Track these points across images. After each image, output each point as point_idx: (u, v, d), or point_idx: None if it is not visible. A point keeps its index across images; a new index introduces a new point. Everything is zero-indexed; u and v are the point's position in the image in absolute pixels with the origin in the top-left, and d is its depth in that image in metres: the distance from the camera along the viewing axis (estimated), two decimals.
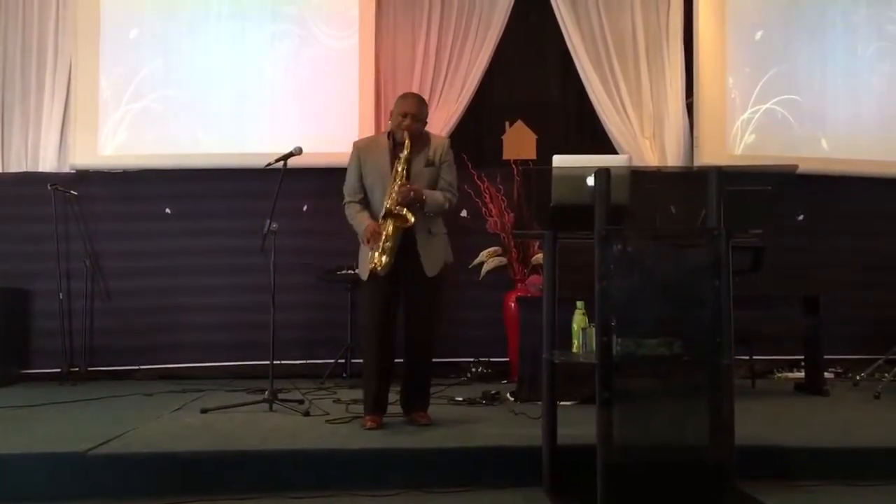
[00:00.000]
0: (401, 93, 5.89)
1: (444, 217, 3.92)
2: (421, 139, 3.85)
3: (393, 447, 3.33)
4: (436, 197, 3.78)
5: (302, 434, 3.59)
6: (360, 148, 3.95)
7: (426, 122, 3.92)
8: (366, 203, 3.88)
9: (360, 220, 3.82)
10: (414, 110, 3.78)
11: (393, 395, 3.92)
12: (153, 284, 5.87)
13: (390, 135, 3.87)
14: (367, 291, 3.82)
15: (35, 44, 6.09)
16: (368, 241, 3.71)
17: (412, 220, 3.63)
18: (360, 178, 3.88)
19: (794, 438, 3.47)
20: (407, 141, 3.72)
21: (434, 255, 3.80)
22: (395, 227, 3.64)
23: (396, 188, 3.67)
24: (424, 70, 6.07)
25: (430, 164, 3.83)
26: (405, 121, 3.76)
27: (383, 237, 3.64)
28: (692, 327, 2.79)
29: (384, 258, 3.63)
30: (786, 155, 5.99)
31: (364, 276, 3.78)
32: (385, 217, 3.65)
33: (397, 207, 3.64)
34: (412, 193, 3.66)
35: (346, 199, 3.92)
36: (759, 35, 6.22)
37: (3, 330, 5.56)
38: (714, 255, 2.77)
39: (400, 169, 3.70)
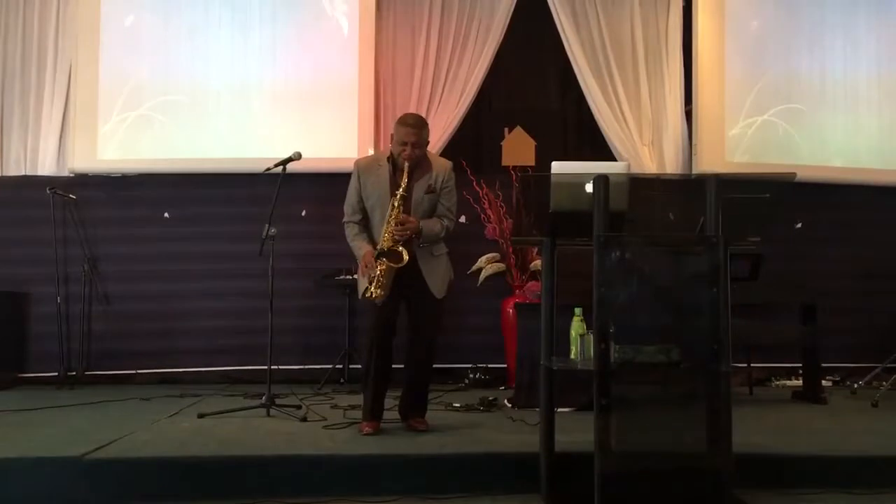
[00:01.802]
0: (400, 99, 6.05)
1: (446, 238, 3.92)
2: (422, 165, 3.82)
3: (390, 453, 3.32)
4: (432, 227, 3.78)
5: (299, 439, 3.58)
6: (361, 169, 3.92)
7: (428, 144, 3.88)
8: (365, 224, 3.89)
9: (358, 245, 3.84)
10: (413, 139, 3.72)
11: (391, 402, 3.92)
12: (151, 289, 5.86)
13: (390, 158, 3.84)
14: (370, 302, 3.82)
15: (35, 47, 6.10)
16: (363, 270, 3.74)
17: (406, 260, 3.64)
18: (361, 199, 3.88)
19: (792, 446, 3.47)
20: (405, 176, 3.69)
21: (439, 276, 3.82)
22: (388, 267, 3.64)
23: (392, 228, 3.67)
24: (424, 76, 6.08)
25: (430, 191, 3.82)
26: (405, 150, 3.72)
27: (377, 272, 3.64)
28: (690, 334, 2.79)
29: (379, 290, 3.64)
30: (784, 163, 6.01)
31: (360, 296, 3.81)
32: (379, 256, 3.66)
33: (392, 246, 3.65)
34: (408, 233, 3.67)
35: (346, 218, 3.92)
36: (757, 43, 6.24)
37: (1, 334, 5.55)
38: (712, 263, 2.77)
39: (396, 205, 3.69)
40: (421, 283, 3.77)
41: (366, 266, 3.70)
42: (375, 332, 3.77)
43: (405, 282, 3.72)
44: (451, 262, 3.95)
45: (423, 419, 3.87)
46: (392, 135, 3.85)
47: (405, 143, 3.72)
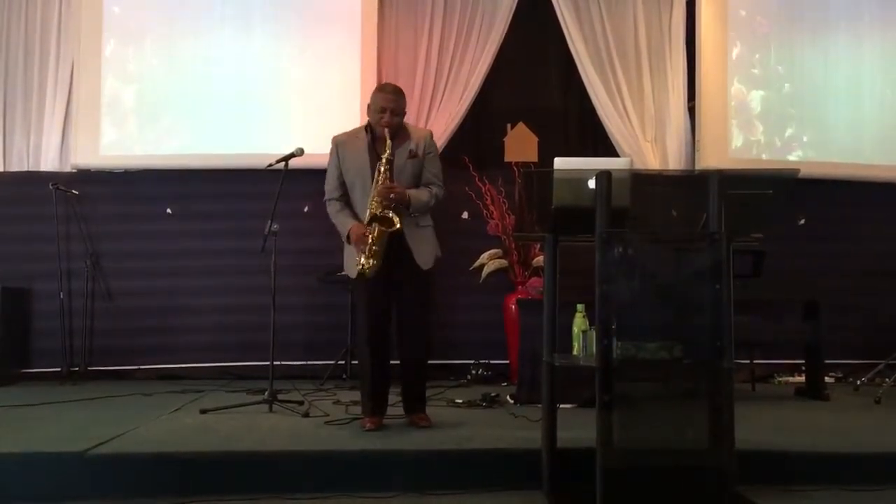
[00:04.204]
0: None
1: (431, 211, 3.86)
2: (401, 134, 3.78)
3: (392, 449, 3.32)
4: (420, 196, 3.73)
5: (301, 435, 3.59)
6: (339, 143, 3.87)
7: (405, 114, 3.84)
8: (346, 200, 3.84)
9: (342, 221, 3.79)
10: (392, 105, 3.68)
11: (394, 397, 3.92)
12: (154, 285, 5.87)
13: (368, 129, 3.80)
14: (360, 292, 3.80)
15: (37, 43, 6.11)
16: (354, 244, 3.69)
17: (398, 224, 3.58)
18: (341, 174, 3.84)
19: (795, 443, 3.46)
20: (388, 141, 3.64)
21: (425, 247, 3.77)
22: (380, 232, 3.58)
23: (377, 189, 3.62)
24: (426, 72, 6.07)
25: (413, 156, 3.76)
26: (384, 116, 3.68)
27: (369, 241, 3.59)
28: (692, 331, 2.78)
29: (371, 261, 3.58)
30: (788, 159, 6.00)
31: (352, 274, 3.75)
32: (370, 222, 3.60)
33: (382, 211, 3.59)
34: (393, 195, 3.60)
35: (327, 196, 3.88)
36: (761, 38, 6.22)
37: (4, 329, 5.56)
38: (715, 259, 2.76)
39: (383, 170, 3.63)
40: (407, 254, 3.70)
41: (357, 237, 3.64)
42: (369, 325, 3.75)
43: (389, 254, 3.63)
44: (436, 238, 3.88)
45: (426, 415, 3.85)
46: (369, 105, 3.79)
47: (384, 110, 3.68)
